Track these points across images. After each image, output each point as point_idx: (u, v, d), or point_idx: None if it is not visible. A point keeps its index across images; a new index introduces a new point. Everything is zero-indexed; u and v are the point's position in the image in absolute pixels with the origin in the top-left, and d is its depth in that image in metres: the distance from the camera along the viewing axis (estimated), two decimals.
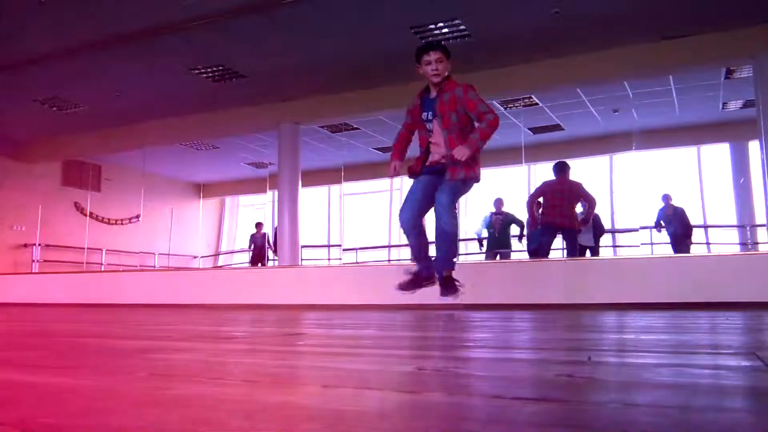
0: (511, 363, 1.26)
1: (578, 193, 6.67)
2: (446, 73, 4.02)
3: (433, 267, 4.14)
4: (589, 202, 6.81)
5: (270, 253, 12.55)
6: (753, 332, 2.22)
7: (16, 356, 1.50)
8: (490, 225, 9.34)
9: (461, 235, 10.26)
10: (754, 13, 6.50)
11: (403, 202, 4.33)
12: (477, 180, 4.06)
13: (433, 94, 4.02)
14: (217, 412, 0.69)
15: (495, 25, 6.84)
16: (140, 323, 3.32)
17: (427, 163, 4.09)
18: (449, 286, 4.02)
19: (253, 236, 12.78)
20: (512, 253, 9.34)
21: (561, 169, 6.67)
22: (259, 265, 12.34)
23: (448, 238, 4.09)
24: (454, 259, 4.19)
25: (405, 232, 4.34)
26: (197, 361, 1.32)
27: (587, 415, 0.67)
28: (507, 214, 9.31)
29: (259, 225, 12.84)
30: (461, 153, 3.79)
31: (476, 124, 3.94)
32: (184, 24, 6.68)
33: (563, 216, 6.48)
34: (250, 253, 12.80)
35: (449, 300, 4.02)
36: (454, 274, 4.07)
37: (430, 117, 4.02)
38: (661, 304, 5.07)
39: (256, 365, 1.23)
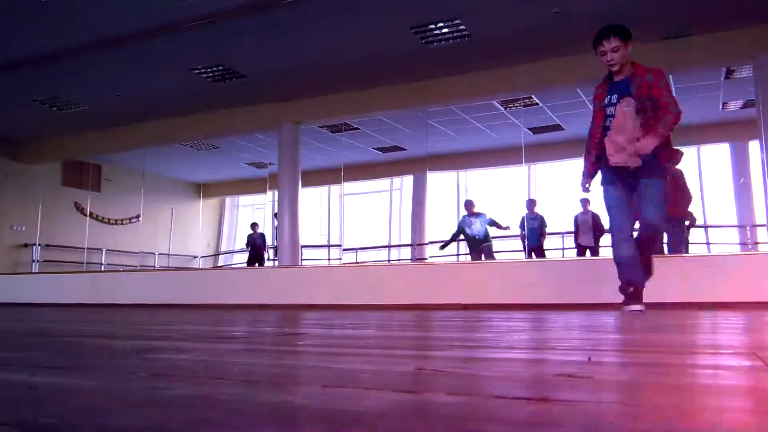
0: (511, 363, 1.26)
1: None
2: (627, 59, 3.83)
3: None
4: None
5: (268, 253, 12.55)
6: (753, 332, 2.22)
7: (16, 356, 1.50)
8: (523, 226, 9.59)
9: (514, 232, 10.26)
10: (754, 13, 6.50)
11: (611, 229, 3.90)
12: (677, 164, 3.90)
13: (621, 77, 3.84)
14: (217, 412, 0.69)
15: (495, 25, 6.84)
16: (140, 323, 3.32)
17: (611, 164, 3.79)
18: (639, 297, 3.83)
19: (251, 236, 12.77)
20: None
21: None
22: (256, 265, 12.33)
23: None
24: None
25: (622, 264, 3.84)
26: (197, 361, 1.32)
27: (587, 415, 0.67)
28: (539, 216, 9.66)
29: (254, 225, 12.85)
30: (647, 145, 3.61)
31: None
32: (184, 24, 6.68)
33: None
34: (248, 253, 12.80)
35: (636, 309, 3.76)
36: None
37: (614, 100, 3.81)
38: (660, 304, 5.07)
39: (255, 365, 1.23)
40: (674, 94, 8.71)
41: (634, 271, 3.82)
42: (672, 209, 6.63)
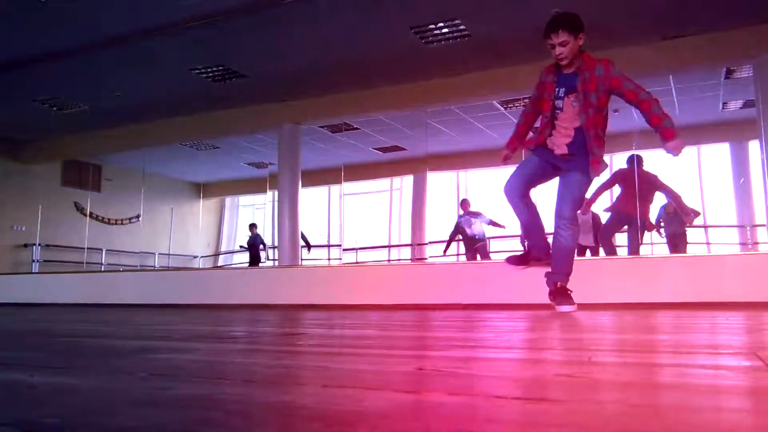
0: (511, 363, 1.26)
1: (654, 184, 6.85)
2: (576, 51, 3.64)
3: (545, 249, 3.92)
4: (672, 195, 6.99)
5: (263, 254, 12.56)
6: (753, 332, 2.22)
7: (16, 356, 1.50)
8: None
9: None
10: (754, 13, 6.50)
11: (512, 174, 3.94)
12: (597, 175, 3.80)
13: (569, 70, 3.69)
14: (217, 412, 0.69)
15: (495, 25, 6.84)
16: (140, 323, 3.32)
17: (549, 148, 3.77)
18: (564, 295, 3.82)
19: (251, 237, 12.77)
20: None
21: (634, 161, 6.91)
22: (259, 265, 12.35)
23: (568, 254, 3.84)
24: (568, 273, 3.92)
25: (511, 203, 3.93)
26: (197, 361, 1.32)
27: (587, 415, 0.67)
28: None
29: (253, 226, 12.86)
30: (679, 147, 3.44)
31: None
32: (184, 24, 6.68)
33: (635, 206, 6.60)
34: (248, 254, 12.80)
35: (565, 309, 3.76)
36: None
37: (561, 94, 3.71)
38: (660, 304, 5.07)
39: (256, 365, 1.23)
40: (674, 95, 8.68)
41: (533, 235, 3.98)
42: (625, 208, 6.74)
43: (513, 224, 10.16)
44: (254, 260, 12.58)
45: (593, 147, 3.67)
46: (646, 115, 3.55)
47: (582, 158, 3.70)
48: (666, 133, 3.47)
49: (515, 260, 4.16)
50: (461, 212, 9.75)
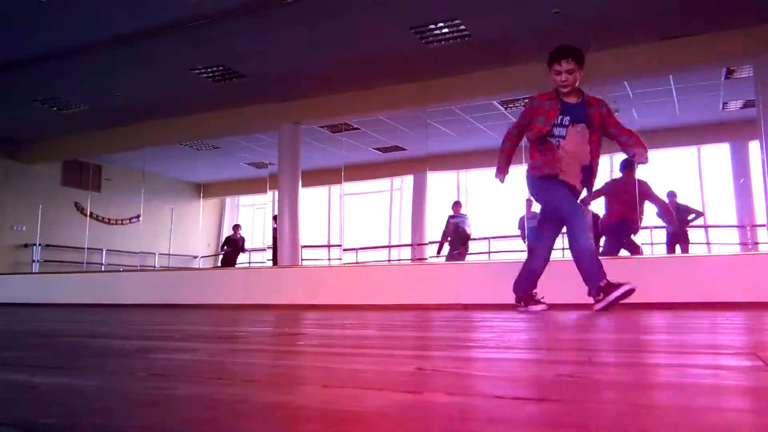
0: (511, 363, 1.26)
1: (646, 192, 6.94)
2: (577, 85, 3.95)
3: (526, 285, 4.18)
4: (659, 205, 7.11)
5: (248, 254, 12.63)
6: (753, 332, 2.22)
7: (16, 356, 1.50)
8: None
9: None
10: (754, 13, 6.50)
11: (555, 191, 4.03)
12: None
13: (571, 99, 3.94)
14: (217, 412, 0.69)
15: (495, 25, 6.84)
16: (140, 323, 3.32)
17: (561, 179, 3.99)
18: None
19: (229, 238, 12.84)
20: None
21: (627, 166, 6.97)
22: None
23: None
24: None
25: (578, 211, 4.10)
26: (197, 361, 1.32)
27: (587, 415, 0.67)
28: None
29: (236, 227, 12.91)
30: (645, 156, 3.87)
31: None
32: (184, 24, 6.68)
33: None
34: (222, 254, 12.85)
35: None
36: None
37: (566, 122, 3.91)
38: (660, 304, 5.07)
39: (256, 365, 1.23)
40: (674, 95, 8.71)
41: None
42: (618, 216, 6.83)
43: (513, 226, 10.18)
44: (231, 262, 12.60)
45: (593, 180, 4.06)
46: (631, 142, 3.96)
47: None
48: (638, 143, 3.95)
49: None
50: (453, 213, 9.90)
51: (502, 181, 4.31)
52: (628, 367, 1.16)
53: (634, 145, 3.90)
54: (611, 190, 7.08)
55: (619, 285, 3.85)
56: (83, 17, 6.59)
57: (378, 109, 9.23)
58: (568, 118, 3.88)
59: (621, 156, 6.86)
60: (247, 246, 13.40)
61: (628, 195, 6.85)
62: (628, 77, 8.01)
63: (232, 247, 12.72)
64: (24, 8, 6.31)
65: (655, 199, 7.21)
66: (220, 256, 13.12)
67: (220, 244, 13.14)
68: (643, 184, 7.00)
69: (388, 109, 9.28)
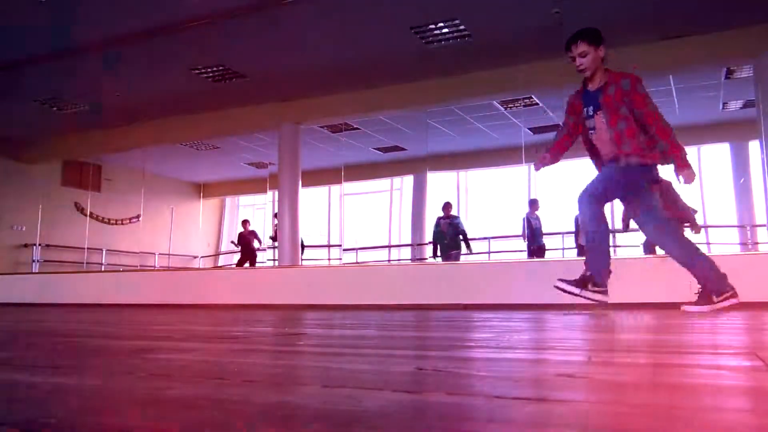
0: (511, 363, 1.26)
1: None
2: (598, 64, 3.63)
3: (606, 274, 3.73)
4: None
5: (265, 245, 12.45)
6: (753, 332, 2.22)
7: (16, 356, 1.50)
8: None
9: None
10: (754, 13, 6.50)
11: (592, 181, 3.75)
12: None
13: (594, 86, 3.67)
14: (217, 412, 0.69)
15: (495, 25, 6.84)
16: (140, 323, 3.32)
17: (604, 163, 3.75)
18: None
19: (241, 234, 12.73)
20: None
21: None
22: (247, 264, 12.26)
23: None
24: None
25: (589, 210, 3.69)
26: (197, 361, 1.32)
27: (587, 415, 0.67)
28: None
29: (245, 222, 12.79)
30: (692, 177, 3.52)
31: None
32: (184, 24, 6.68)
33: None
34: (239, 251, 12.71)
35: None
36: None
37: (591, 112, 3.68)
38: (660, 304, 5.07)
39: (256, 365, 1.23)
40: (674, 95, 8.66)
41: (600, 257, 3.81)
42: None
43: (514, 226, 10.18)
44: (249, 257, 12.46)
45: (636, 147, 3.61)
46: (664, 142, 3.57)
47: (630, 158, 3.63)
48: (680, 164, 3.54)
49: (572, 283, 3.74)
50: (443, 215, 9.89)
51: (539, 161, 3.96)
52: (628, 367, 1.16)
53: (676, 161, 3.53)
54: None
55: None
56: (83, 17, 6.59)
57: (378, 109, 9.23)
58: (591, 108, 3.68)
59: None
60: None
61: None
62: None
63: (243, 244, 12.56)
64: (24, 8, 6.32)
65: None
66: (236, 256, 12.99)
67: (237, 242, 12.92)
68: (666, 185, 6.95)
69: (388, 109, 9.28)
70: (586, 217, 3.67)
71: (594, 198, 3.65)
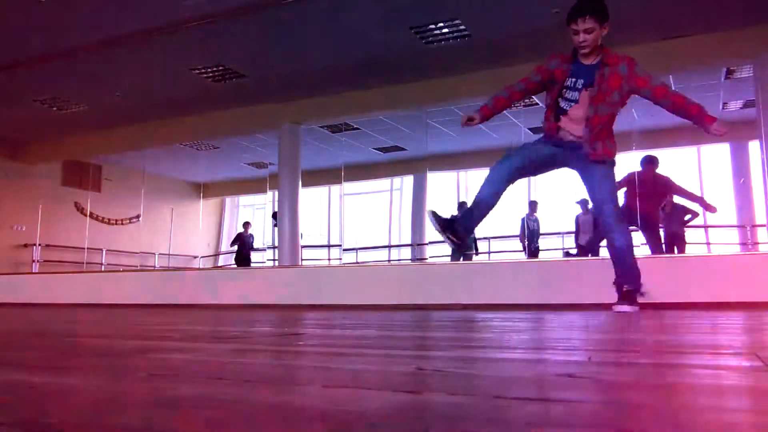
0: (511, 363, 1.26)
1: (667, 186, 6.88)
2: (599, 43, 3.50)
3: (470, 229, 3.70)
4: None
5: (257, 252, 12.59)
6: (753, 332, 2.22)
7: (16, 356, 1.50)
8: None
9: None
10: (754, 13, 6.50)
11: (510, 154, 3.72)
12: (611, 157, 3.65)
13: (588, 61, 3.53)
14: (217, 412, 0.69)
15: (495, 25, 6.84)
16: (140, 323, 3.32)
17: (557, 137, 3.63)
18: (628, 298, 3.74)
19: (240, 235, 12.80)
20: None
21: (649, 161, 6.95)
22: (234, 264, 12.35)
23: (624, 255, 3.70)
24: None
25: (490, 181, 3.74)
26: (197, 361, 1.32)
27: (587, 415, 0.67)
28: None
29: (247, 224, 12.87)
30: (725, 126, 3.42)
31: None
32: (184, 24, 6.68)
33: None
34: (236, 252, 12.81)
35: (621, 309, 3.72)
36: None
37: (579, 85, 3.54)
38: (660, 304, 5.07)
39: (255, 365, 1.23)
40: None
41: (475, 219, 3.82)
42: (637, 209, 6.84)
43: (513, 226, 10.17)
44: (246, 260, 12.58)
45: (599, 138, 3.59)
46: (681, 108, 3.51)
47: (597, 145, 3.58)
48: (707, 119, 3.46)
49: (626, 304, 3.75)
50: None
51: (465, 120, 3.87)
52: (628, 367, 1.16)
53: (701, 119, 3.45)
54: (634, 184, 7.03)
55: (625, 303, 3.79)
56: (83, 17, 6.59)
57: (378, 109, 9.23)
58: (581, 81, 3.53)
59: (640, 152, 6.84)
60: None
61: (645, 191, 6.83)
62: None
63: (240, 245, 12.72)
64: (24, 8, 6.31)
65: (682, 192, 7.21)
66: (233, 255, 13.12)
67: (231, 241, 13.14)
68: (664, 179, 7.01)
69: (388, 109, 9.28)
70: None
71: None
